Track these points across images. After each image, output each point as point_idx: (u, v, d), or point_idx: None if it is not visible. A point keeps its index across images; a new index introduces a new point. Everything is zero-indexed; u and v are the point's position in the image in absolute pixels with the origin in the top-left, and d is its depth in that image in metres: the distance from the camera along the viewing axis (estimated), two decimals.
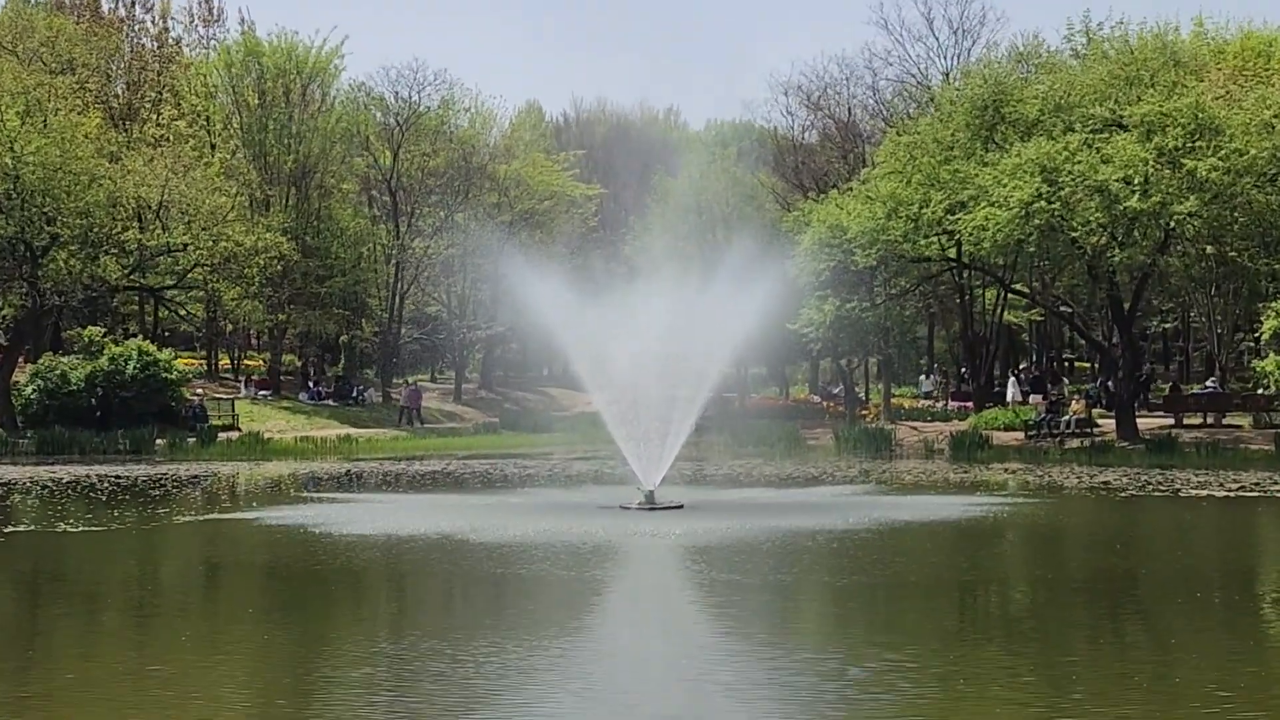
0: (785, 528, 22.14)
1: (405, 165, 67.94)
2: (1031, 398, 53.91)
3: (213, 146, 65.47)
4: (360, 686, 11.65)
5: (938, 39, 65.37)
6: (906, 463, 41.05)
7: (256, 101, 64.80)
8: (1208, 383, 51.91)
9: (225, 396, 57.71)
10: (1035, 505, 26.89)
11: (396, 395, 67.48)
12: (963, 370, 61.64)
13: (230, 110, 66.38)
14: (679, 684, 11.81)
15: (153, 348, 50.93)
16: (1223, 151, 39.24)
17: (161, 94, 67.86)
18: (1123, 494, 29.10)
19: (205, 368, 67.83)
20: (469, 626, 14.62)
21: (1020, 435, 45.27)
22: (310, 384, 64.62)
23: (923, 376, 62.52)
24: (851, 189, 48.82)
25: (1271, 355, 42.44)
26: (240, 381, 64.07)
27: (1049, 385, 55.60)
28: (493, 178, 70.83)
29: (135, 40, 72.15)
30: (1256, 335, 45.23)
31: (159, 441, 46.95)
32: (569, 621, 14.62)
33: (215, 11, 76.78)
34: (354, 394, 63.15)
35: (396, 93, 68.06)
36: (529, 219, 73.46)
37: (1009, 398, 54.09)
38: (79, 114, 57.22)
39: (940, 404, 56.80)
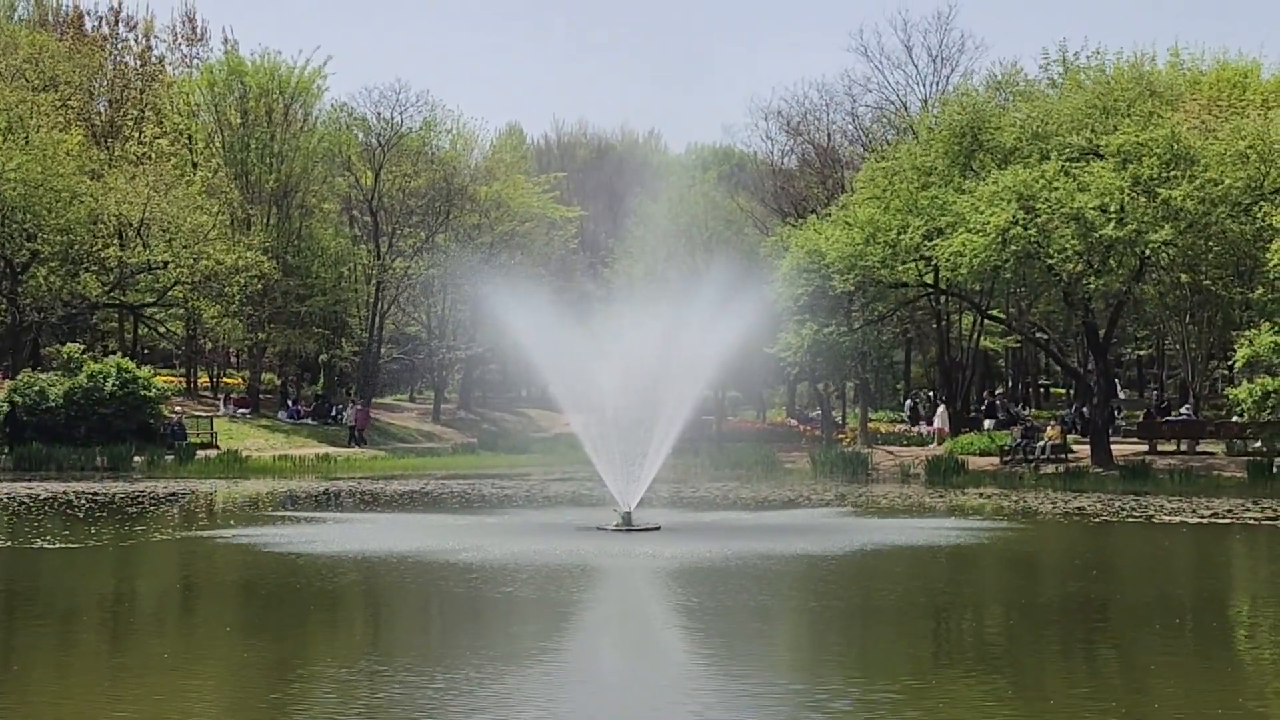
0: (762, 550, 22.09)
1: (386, 186, 67.79)
2: (986, 423, 53.94)
3: (194, 165, 65.30)
4: (335, 710, 11.55)
5: (917, 66, 65.40)
6: (882, 487, 41.05)
7: (239, 120, 64.66)
8: (1181, 410, 52.06)
9: (204, 414, 57.40)
10: (1010, 530, 26.90)
11: (376, 415, 67.21)
12: (933, 394, 61.54)
13: (212, 129, 66.21)
14: (653, 712, 11.73)
15: (132, 365, 50.60)
16: (1198, 181, 39.41)
17: (144, 112, 67.73)
18: (1096, 520, 29.13)
19: (184, 385, 67.51)
20: (444, 649, 14.53)
21: (996, 460, 45.29)
22: (289, 403, 64.37)
23: (908, 401, 62.46)
24: (830, 214, 48.83)
25: (1245, 383, 42.58)
26: (219, 399, 63.77)
27: (1002, 412, 55.51)
28: (473, 199, 70.72)
29: (118, 58, 72.01)
30: (1230, 363, 45.36)
31: (137, 459, 46.64)
32: (544, 645, 14.53)
33: (198, 30, 76.76)
34: (333, 413, 62.89)
35: (378, 113, 67.97)
36: (509, 241, 73.35)
37: (935, 424, 54.17)
38: (61, 131, 57.09)
39: (916, 429, 56.79)
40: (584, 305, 65.22)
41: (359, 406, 57.06)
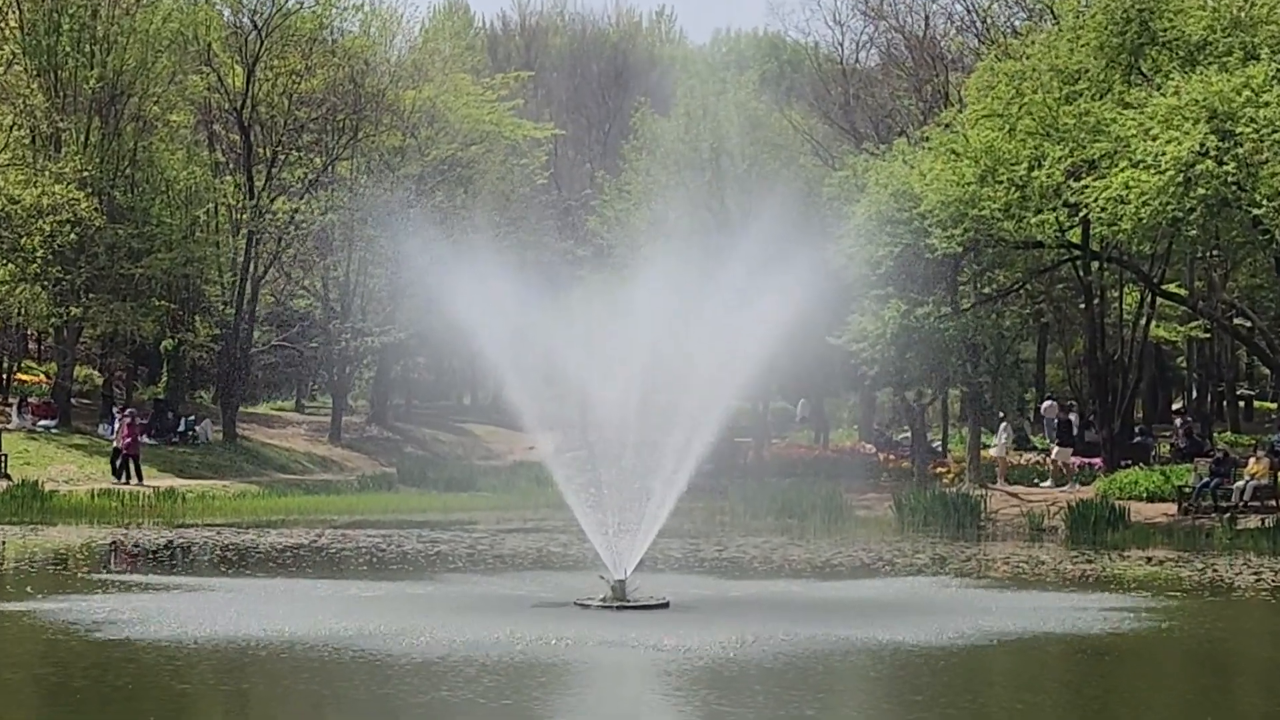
0: (823, 640, 22.14)
1: (265, 89, 67.60)
2: (1056, 452, 53.65)
3: None
4: None
5: None
6: (1002, 546, 41.01)
7: None
8: None
9: None
10: (1193, 613, 26.86)
11: (246, 430, 67.15)
12: (1066, 408, 61.25)
13: (5, 2, 66.10)
14: None
15: None
16: None
17: None
18: None
19: None
20: None
21: (1171, 508, 45.22)
22: (116, 412, 64.26)
23: (1072, 415, 62.27)
24: (928, 139, 48.80)
25: None
26: (11, 407, 63.75)
27: (1182, 435, 55.28)
28: (395, 110, 70.60)
29: None
30: None
31: None
32: None
33: None
34: (181, 428, 62.83)
35: None
36: (448, 172, 73.30)
37: (994, 450, 54.18)
38: None
39: (1048, 457, 56.59)
40: (559, 268, 65.22)
41: (129, 420, 55.28)
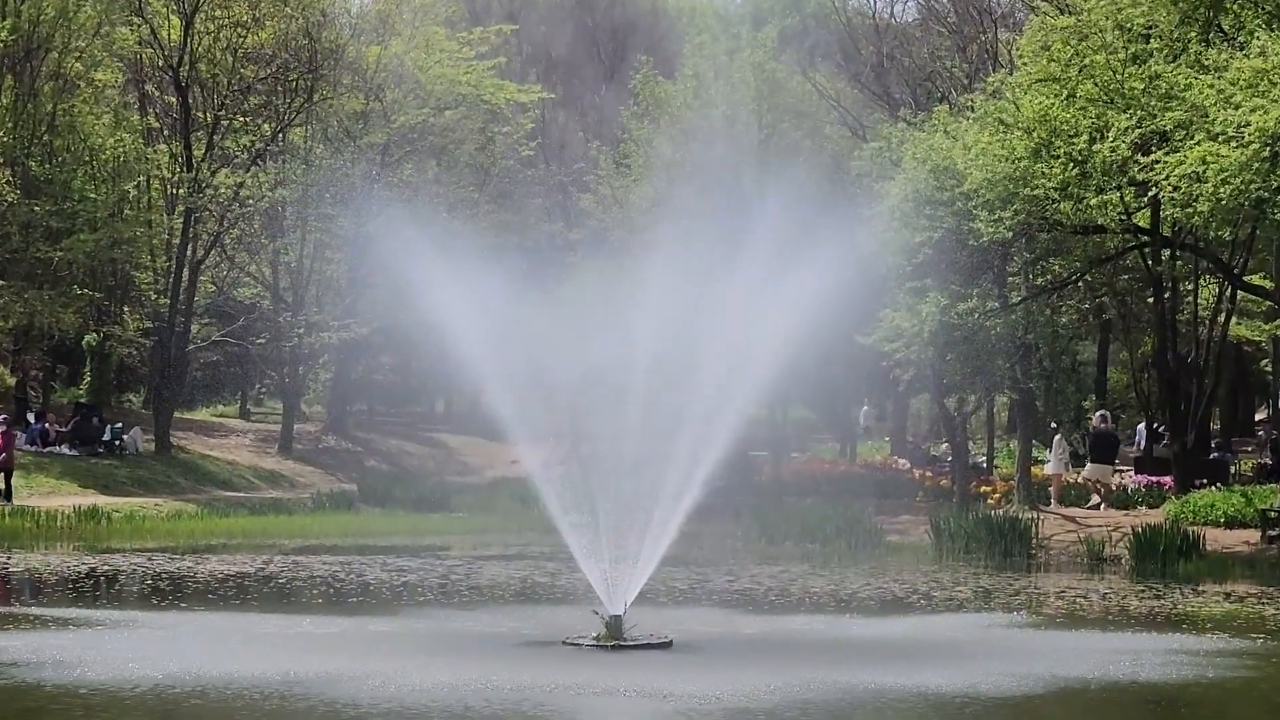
0: (849, 687, 22.13)
1: (205, 43, 67.59)
2: (1089, 469, 53.51)
3: None
4: None
5: None
6: (1056, 577, 41.07)
7: None
8: None
9: None
10: (1277, 658, 26.88)
11: (183, 440, 67.07)
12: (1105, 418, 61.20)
13: None
14: None
15: None
16: None
17: None
18: None
19: None
20: None
21: (1253, 535, 45.18)
22: (31, 417, 64.27)
23: (1142, 425, 62.45)
24: (973, 106, 48.84)
25: None
26: None
27: (1269, 450, 55.29)
28: (356, 69, 70.58)
29: None
30: None
31: None
32: None
33: None
34: (106, 436, 62.77)
35: None
36: (418, 140, 73.25)
37: (1050, 467, 54.08)
38: None
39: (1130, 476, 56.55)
40: (548, 254, 65.21)
41: (4, 428, 53.82)
